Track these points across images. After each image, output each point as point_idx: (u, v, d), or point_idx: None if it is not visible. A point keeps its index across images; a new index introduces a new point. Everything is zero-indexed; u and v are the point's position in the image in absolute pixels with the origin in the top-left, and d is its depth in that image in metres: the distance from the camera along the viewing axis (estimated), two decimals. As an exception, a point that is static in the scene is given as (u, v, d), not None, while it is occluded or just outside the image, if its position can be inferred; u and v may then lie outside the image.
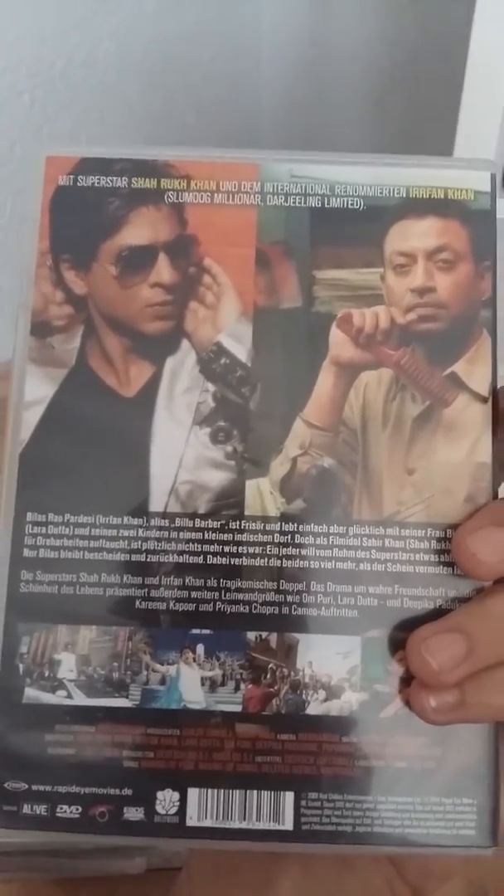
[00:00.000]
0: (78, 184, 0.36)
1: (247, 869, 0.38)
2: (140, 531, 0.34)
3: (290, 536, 0.34)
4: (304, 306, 0.36)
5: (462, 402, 0.35)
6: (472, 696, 0.31)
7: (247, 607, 0.34)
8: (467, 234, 0.36)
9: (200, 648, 0.34)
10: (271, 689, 0.34)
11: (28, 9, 0.79)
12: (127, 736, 0.33)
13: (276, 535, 0.34)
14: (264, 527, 0.34)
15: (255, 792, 0.33)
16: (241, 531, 0.34)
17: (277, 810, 0.33)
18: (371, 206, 0.36)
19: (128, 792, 0.33)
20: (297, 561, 0.34)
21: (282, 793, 0.33)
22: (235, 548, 0.34)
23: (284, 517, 0.34)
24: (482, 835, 0.33)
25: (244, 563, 0.34)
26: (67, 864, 0.54)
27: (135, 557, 0.34)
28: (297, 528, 0.34)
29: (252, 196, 0.36)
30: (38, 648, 0.34)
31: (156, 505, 0.34)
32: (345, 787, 0.33)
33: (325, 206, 0.36)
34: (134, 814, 0.33)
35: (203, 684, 0.34)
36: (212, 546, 0.34)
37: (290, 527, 0.34)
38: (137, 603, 0.34)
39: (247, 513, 0.34)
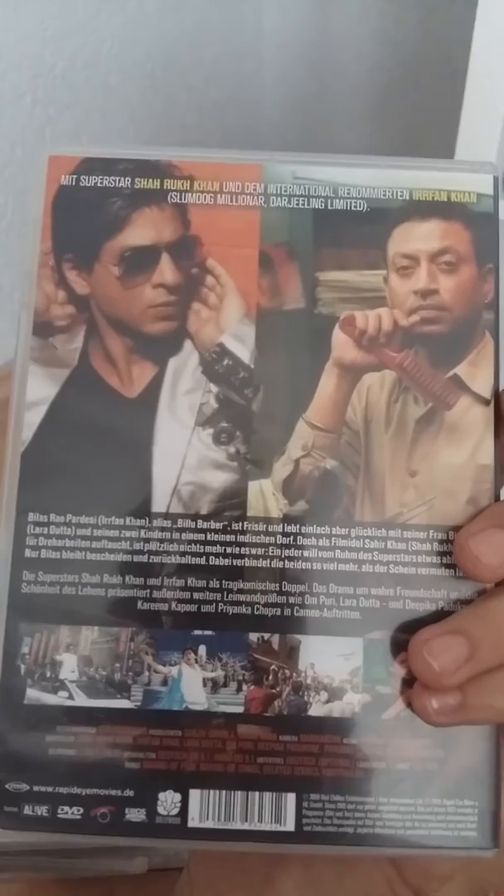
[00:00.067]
0: (80, 184, 0.36)
1: (248, 870, 0.38)
2: (142, 532, 0.34)
3: (292, 538, 0.34)
4: (307, 308, 0.36)
5: (464, 404, 0.35)
6: (473, 698, 0.31)
7: (249, 608, 0.34)
8: (470, 236, 0.36)
9: (202, 649, 0.34)
10: (273, 691, 0.34)
11: (30, 10, 0.80)
12: (128, 737, 0.33)
13: (279, 536, 0.34)
14: (266, 528, 0.34)
15: (256, 793, 0.33)
16: (243, 532, 0.34)
17: (279, 811, 0.33)
18: (374, 208, 0.36)
19: (129, 793, 0.33)
20: (300, 562, 0.34)
21: (283, 794, 0.33)
22: (238, 549, 0.34)
23: (287, 518, 0.34)
24: (483, 836, 0.33)
25: (246, 565, 0.34)
26: (68, 864, 0.54)
27: (137, 558, 0.34)
28: (300, 529, 0.34)
29: (255, 197, 0.36)
30: (40, 649, 0.33)
31: (158, 506, 0.34)
32: (346, 788, 0.33)
33: (329, 207, 0.36)
34: (136, 815, 0.33)
35: (205, 685, 0.34)
36: (214, 547, 0.34)
37: (292, 528, 0.34)
38: (139, 604, 0.34)
39: (249, 514, 0.34)
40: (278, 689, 0.34)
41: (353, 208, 0.36)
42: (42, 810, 0.33)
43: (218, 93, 1.09)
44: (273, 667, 0.34)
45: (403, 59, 1.10)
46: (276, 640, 0.34)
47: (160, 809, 0.33)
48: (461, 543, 0.32)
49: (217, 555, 0.34)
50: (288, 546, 0.34)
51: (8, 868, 0.54)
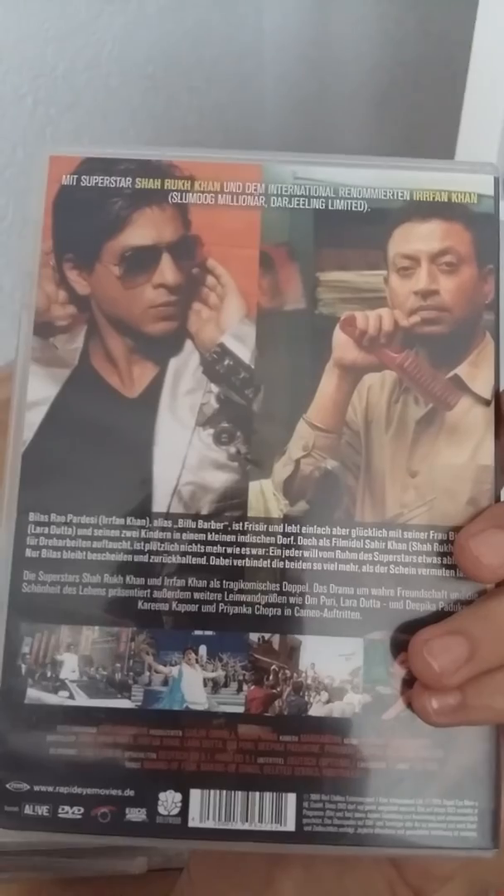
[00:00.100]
0: (81, 184, 0.36)
1: (248, 870, 0.38)
2: (143, 532, 0.34)
3: (292, 538, 0.34)
4: (307, 308, 0.36)
5: (465, 405, 0.35)
6: (473, 698, 0.31)
7: (249, 609, 0.34)
8: (471, 237, 0.36)
9: (203, 650, 0.34)
10: (274, 691, 0.34)
11: (31, 11, 0.80)
12: (129, 737, 0.33)
13: (279, 536, 0.34)
14: (267, 528, 0.34)
15: (257, 793, 0.33)
16: (243, 532, 0.34)
17: (279, 811, 0.33)
18: (375, 208, 0.36)
19: (130, 793, 0.33)
20: (300, 562, 0.34)
21: (284, 794, 0.33)
22: (238, 549, 0.34)
23: (287, 519, 0.34)
24: (483, 837, 0.33)
25: (247, 565, 0.34)
26: (69, 864, 0.54)
27: (137, 558, 0.34)
28: (300, 529, 0.34)
29: (256, 197, 0.36)
30: (41, 649, 0.34)
31: (158, 506, 0.34)
32: (347, 788, 0.33)
33: (329, 208, 0.36)
34: (136, 815, 0.33)
35: (205, 685, 0.34)
36: (214, 547, 0.34)
37: (292, 528, 0.34)
38: (140, 604, 0.34)
39: (250, 514, 0.34)
40: (279, 689, 0.34)
41: (353, 209, 0.36)
42: (43, 810, 0.33)
43: (219, 93, 1.10)
44: (273, 667, 0.34)
45: (404, 59, 1.10)
46: (276, 640, 0.34)
47: (161, 809, 0.33)
48: (461, 544, 0.32)
49: (217, 555, 0.34)
50: (288, 546, 0.34)
51: (8, 868, 0.54)
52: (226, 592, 0.34)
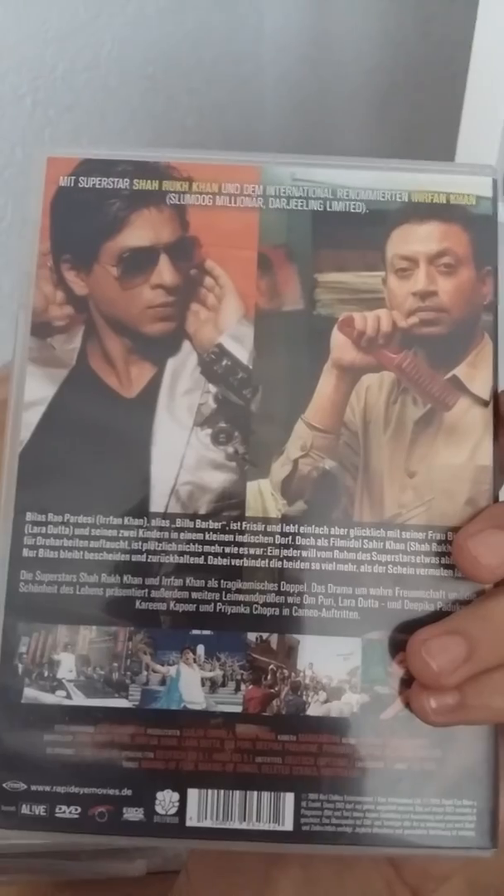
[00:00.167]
0: (79, 185, 0.36)
1: (246, 870, 0.38)
2: (140, 532, 0.34)
3: (290, 538, 0.34)
4: (305, 309, 0.36)
5: (463, 405, 0.35)
6: (472, 698, 0.31)
7: (247, 608, 0.34)
8: (469, 238, 0.36)
9: (201, 649, 0.34)
10: (272, 690, 0.34)
11: (30, 11, 0.80)
12: (126, 736, 0.33)
13: (277, 536, 0.34)
14: (265, 528, 0.34)
15: (255, 793, 0.33)
16: (241, 532, 0.34)
17: (277, 811, 0.33)
18: (373, 210, 0.36)
19: (127, 792, 0.33)
20: (298, 562, 0.34)
21: (282, 794, 0.33)
22: (236, 549, 0.34)
23: (285, 519, 0.34)
24: (482, 836, 0.33)
25: (245, 565, 0.34)
26: (67, 866, 0.54)
27: (135, 558, 0.34)
28: (298, 529, 0.34)
29: (254, 199, 0.36)
30: (38, 648, 0.34)
31: (156, 505, 0.34)
32: (345, 788, 0.33)
33: (327, 209, 0.36)
34: (133, 814, 0.33)
35: (203, 685, 0.34)
36: (212, 547, 0.34)
37: (290, 528, 0.34)
38: (137, 603, 0.34)
39: (248, 514, 0.34)
40: (277, 688, 0.34)
41: (351, 210, 0.36)
42: (40, 809, 0.33)
43: (218, 94, 1.10)
44: (271, 666, 0.34)
45: (404, 60, 1.10)
46: (274, 639, 0.34)
47: (158, 809, 0.33)
48: (460, 544, 0.32)
49: (215, 554, 0.34)
50: (286, 546, 0.34)
51: (7, 870, 0.54)
52: (224, 592, 0.34)
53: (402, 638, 0.33)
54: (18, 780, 0.33)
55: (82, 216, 0.36)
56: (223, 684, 0.34)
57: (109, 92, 0.92)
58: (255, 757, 0.33)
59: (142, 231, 0.36)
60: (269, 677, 0.34)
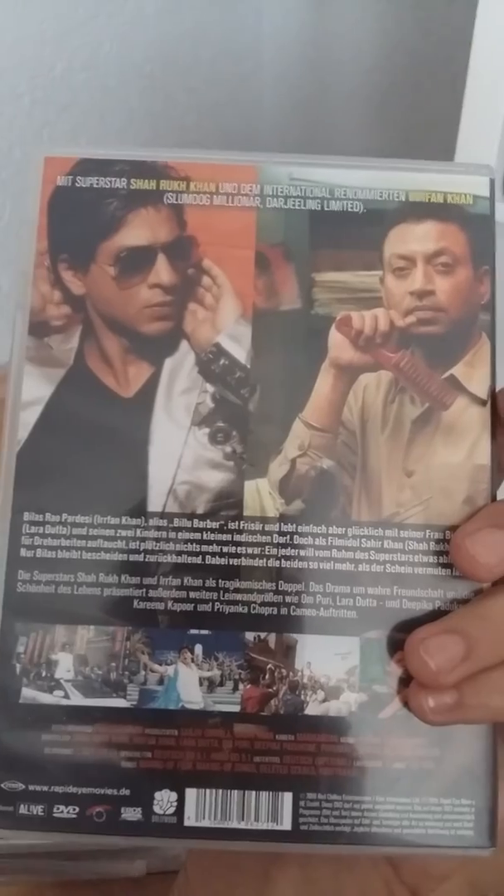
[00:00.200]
0: (76, 184, 0.36)
1: (244, 869, 0.38)
2: (138, 531, 0.34)
3: (288, 537, 0.34)
4: (303, 308, 0.36)
5: (461, 404, 0.35)
6: (470, 697, 0.31)
7: (245, 608, 0.34)
8: (466, 238, 0.36)
9: (199, 649, 0.34)
10: (270, 690, 0.34)
11: (29, 11, 0.80)
12: (124, 736, 0.33)
13: (275, 535, 0.34)
14: (263, 527, 0.34)
15: (253, 792, 0.33)
16: (239, 532, 0.34)
17: (276, 810, 0.33)
18: (370, 209, 0.36)
19: (125, 792, 0.33)
20: (296, 562, 0.34)
21: (280, 793, 0.33)
22: (234, 548, 0.34)
23: (283, 518, 0.34)
24: (480, 835, 0.33)
25: (243, 564, 0.34)
26: (67, 867, 0.54)
27: (133, 557, 0.34)
28: (296, 528, 0.34)
29: (251, 198, 0.36)
30: (35, 648, 0.34)
31: (154, 505, 0.34)
32: (343, 787, 0.33)
33: (325, 209, 0.36)
34: (131, 814, 0.33)
35: (201, 685, 0.34)
36: (210, 546, 0.34)
37: (288, 527, 0.34)
38: (135, 603, 0.34)
39: (245, 513, 0.34)
40: (275, 688, 0.34)
41: (349, 209, 0.36)
42: (38, 809, 0.33)
43: (217, 93, 1.09)
44: (269, 666, 0.34)
45: (403, 60, 1.10)
46: (272, 639, 0.34)
47: (156, 808, 0.33)
48: (458, 543, 0.32)
49: (213, 554, 0.34)
50: (284, 545, 0.34)
51: (6, 871, 0.54)
52: (221, 591, 0.34)
53: (400, 637, 0.33)
54: (16, 780, 0.33)
55: (79, 216, 0.36)
56: (221, 684, 0.34)
57: (108, 91, 0.92)
58: (254, 756, 0.33)
59: (139, 230, 0.36)
60: (267, 677, 0.34)
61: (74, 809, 0.33)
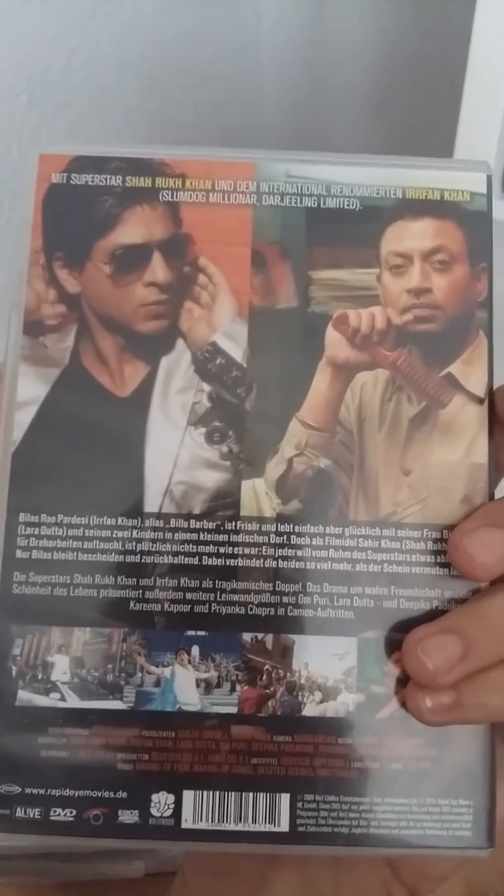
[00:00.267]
0: (71, 182, 0.36)
1: (242, 871, 0.38)
2: (134, 532, 0.34)
3: (285, 537, 0.34)
4: (299, 306, 0.35)
5: (458, 403, 0.35)
6: (468, 697, 0.31)
7: (242, 608, 0.34)
8: (463, 235, 0.36)
9: (195, 650, 0.33)
10: (267, 691, 0.33)
11: (26, 10, 0.79)
12: (121, 738, 0.33)
13: (272, 535, 0.34)
14: (260, 527, 0.34)
15: (250, 794, 0.33)
16: (236, 532, 0.34)
17: (273, 812, 0.33)
18: (367, 206, 0.36)
19: (122, 795, 0.33)
20: (293, 562, 0.34)
21: (278, 794, 0.33)
22: (231, 549, 0.34)
23: (280, 518, 0.34)
24: (478, 836, 0.33)
25: (240, 564, 0.34)
26: (66, 868, 0.54)
27: (129, 558, 0.34)
28: (293, 528, 0.34)
29: (248, 196, 0.36)
30: (31, 650, 0.33)
31: (150, 505, 0.34)
32: (341, 788, 0.33)
33: (321, 206, 0.36)
34: (129, 817, 0.33)
35: (198, 686, 0.33)
36: (207, 547, 0.34)
37: (285, 527, 0.34)
38: (132, 604, 0.34)
39: (242, 513, 0.34)
40: (272, 689, 0.33)
41: (345, 207, 0.36)
42: (34, 812, 0.33)
43: (215, 92, 1.09)
44: (267, 667, 0.33)
45: (402, 58, 1.10)
46: (269, 639, 0.34)
47: (153, 811, 0.33)
48: (455, 542, 0.32)
49: (210, 555, 0.34)
50: (281, 545, 0.34)
51: (5, 872, 0.54)
52: (218, 592, 0.34)
53: (397, 637, 0.33)
54: (13, 783, 0.33)
55: (75, 213, 0.36)
56: (218, 685, 0.33)
57: (106, 90, 0.91)
58: (251, 758, 0.33)
59: (135, 228, 0.36)
60: (264, 678, 0.33)
61: (71, 812, 0.32)
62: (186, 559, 0.34)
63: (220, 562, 0.34)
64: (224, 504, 0.34)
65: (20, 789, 0.33)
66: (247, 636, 0.34)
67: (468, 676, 0.31)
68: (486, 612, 0.32)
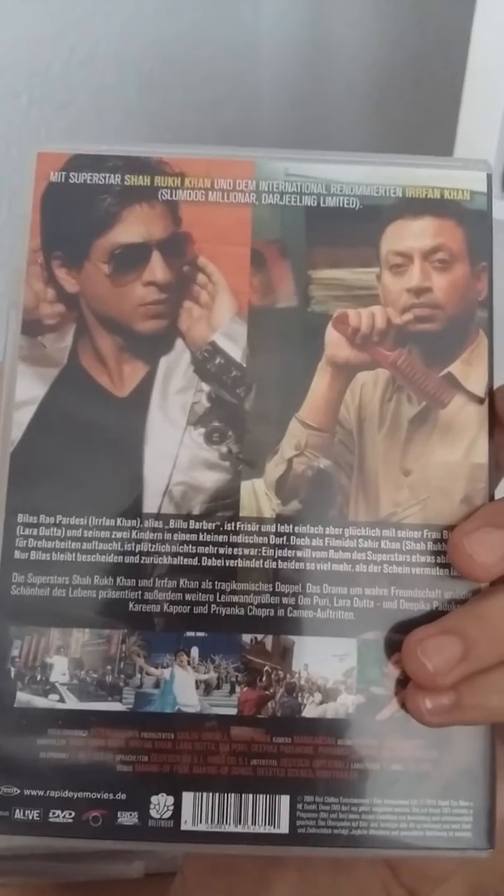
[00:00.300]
0: (70, 180, 0.36)
1: (242, 872, 0.38)
2: (133, 533, 0.34)
3: (285, 538, 0.34)
4: (299, 306, 0.35)
5: (458, 402, 0.35)
6: (468, 697, 0.31)
7: (242, 609, 0.34)
8: (463, 234, 0.36)
9: (195, 651, 0.33)
10: (267, 692, 0.33)
11: (26, 9, 0.79)
12: (120, 740, 0.33)
13: (272, 536, 0.34)
14: (259, 528, 0.34)
15: (250, 795, 0.33)
16: (235, 533, 0.34)
17: (273, 813, 0.33)
18: (367, 205, 0.36)
19: (121, 796, 0.33)
20: (293, 563, 0.34)
21: (277, 796, 0.33)
22: (230, 549, 0.34)
23: (280, 518, 0.34)
24: (478, 837, 0.33)
25: (239, 565, 0.34)
26: (65, 869, 0.54)
27: (128, 559, 0.34)
28: (293, 529, 0.34)
29: (247, 194, 0.36)
30: (30, 652, 0.33)
31: (149, 506, 0.34)
32: (341, 789, 0.33)
33: (321, 205, 0.36)
34: (128, 818, 0.33)
35: (197, 687, 0.33)
36: (206, 548, 0.34)
37: (285, 528, 0.34)
38: (131, 605, 0.33)
39: (242, 514, 0.34)
40: (272, 690, 0.33)
41: (345, 206, 0.36)
42: (33, 814, 0.32)
43: (215, 91, 1.09)
44: (266, 668, 0.33)
45: (402, 57, 1.09)
46: (269, 641, 0.33)
47: (153, 812, 0.33)
48: (455, 542, 0.32)
49: (209, 555, 0.34)
50: (281, 546, 0.34)
51: (4, 872, 0.54)
52: (218, 593, 0.34)
53: (397, 638, 0.33)
54: (11, 785, 0.33)
55: (73, 212, 0.35)
56: (218, 686, 0.33)
57: (106, 90, 0.91)
58: (251, 759, 0.33)
59: (133, 227, 0.35)
60: (263, 679, 0.33)
61: (70, 814, 0.32)
62: (186, 560, 0.34)
63: (219, 563, 0.34)
64: (223, 505, 0.34)
65: (19, 791, 0.32)
66: (246, 637, 0.33)
67: (468, 677, 0.31)
68: (486, 612, 0.32)
